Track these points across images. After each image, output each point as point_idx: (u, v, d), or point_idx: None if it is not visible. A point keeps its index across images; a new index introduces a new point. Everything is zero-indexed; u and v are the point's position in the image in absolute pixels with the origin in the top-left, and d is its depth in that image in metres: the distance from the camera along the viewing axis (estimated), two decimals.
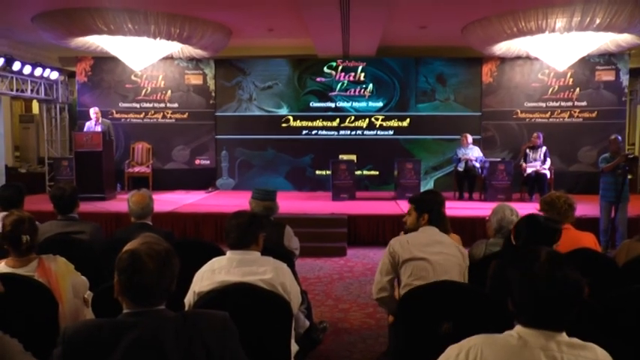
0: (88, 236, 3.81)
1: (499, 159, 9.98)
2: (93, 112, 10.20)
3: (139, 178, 10.91)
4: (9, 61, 9.83)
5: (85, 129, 10.13)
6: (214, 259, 2.82)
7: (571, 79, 10.75)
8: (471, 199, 9.64)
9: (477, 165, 9.73)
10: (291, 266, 3.09)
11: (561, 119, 10.80)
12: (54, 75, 11.17)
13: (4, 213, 3.66)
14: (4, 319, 2.13)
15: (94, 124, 10.15)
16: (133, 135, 11.30)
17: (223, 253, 2.89)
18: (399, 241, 3.14)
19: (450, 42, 10.34)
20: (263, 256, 2.82)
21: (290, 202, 8.84)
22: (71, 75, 11.77)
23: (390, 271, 3.12)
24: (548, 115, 10.83)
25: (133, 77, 11.25)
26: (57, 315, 2.63)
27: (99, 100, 11.20)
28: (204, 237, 7.72)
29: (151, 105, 11.35)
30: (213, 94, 11.26)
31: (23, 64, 10.15)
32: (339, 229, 7.82)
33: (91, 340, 1.75)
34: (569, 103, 10.80)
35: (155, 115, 11.34)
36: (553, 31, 8.05)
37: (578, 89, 10.75)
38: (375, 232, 7.94)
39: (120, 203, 8.85)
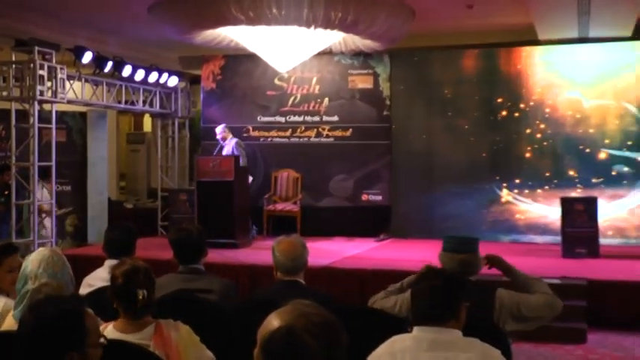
0: (217, 296, 3.97)
1: None
2: (220, 130, 10.66)
3: (283, 219, 11.18)
4: (118, 65, 10.50)
5: (221, 152, 10.48)
6: (394, 338, 2.81)
7: None
8: None
9: None
10: (507, 354, 3.03)
11: None
12: (172, 81, 11.87)
13: (113, 261, 4.01)
14: None
15: (225, 146, 10.65)
16: (275, 160, 11.68)
17: (405, 329, 2.89)
18: None
19: None
20: (466, 336, 2.79)
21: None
22: (194, 80, 12.41)
23: None
24: None
25: (276, 81, 11.73)
26: None
27: (230, 113, 11.84)
28: None
29: (300, 118, 11.75)
30: (387, 101, 11.44)
31: (135, 69, 10.88)
32: (575, 301, 7.34)
33: None
34: None
35: (306, 133, 11.71)
36: None
37: None
38: (635, 308, 7.52)
39: (256, 253, 9.15)
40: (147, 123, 14.56)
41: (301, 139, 11.79)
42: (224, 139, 10.64)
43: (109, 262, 4.30)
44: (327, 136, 11.71)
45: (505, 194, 11.12)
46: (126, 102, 11.56)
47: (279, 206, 11.48)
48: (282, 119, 11.83)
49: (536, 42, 10.78)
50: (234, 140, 10.71)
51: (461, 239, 4.14)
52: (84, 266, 4.60)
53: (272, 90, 11.83)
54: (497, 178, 11.12)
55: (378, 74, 11.51)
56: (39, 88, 9.28)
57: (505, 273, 4.14)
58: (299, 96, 11.79)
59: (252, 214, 10.86)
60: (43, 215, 9.85)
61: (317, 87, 11.70)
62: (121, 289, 3.04)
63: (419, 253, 9.00)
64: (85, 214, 12.06)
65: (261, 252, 8.84)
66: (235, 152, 10.40)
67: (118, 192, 14.34)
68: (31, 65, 9.26)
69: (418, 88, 11.53)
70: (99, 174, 12.30)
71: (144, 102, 11.77)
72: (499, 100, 11.11)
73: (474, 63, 11.34)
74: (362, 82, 11.57)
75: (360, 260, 8.98)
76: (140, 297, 3.01)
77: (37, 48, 9.31)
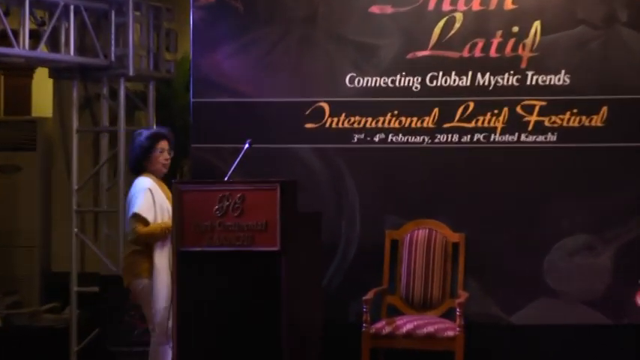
0: None
1: None
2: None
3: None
4: None
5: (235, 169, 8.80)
6: None
7: None
8: None
9: None
10: None
11: None
12: None
13: None
14: None
15: None
16: (393, 194, 8.78)
17: None
18: None
19: None
20: None
21: None
22: None
23: None
24: None
25: None
26: None
27: (272, 69, 8.98)
28: None
29: (463, 81, 8.72)
30: None
31: None
32: None
33: None
34: None
35: (481, 121, 8.68)
36: None
37: None
38: None
39: None
40: (41, 94, 11.33)
41: (467, 139, 8.50)
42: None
43: None
44: (540, 130, 8.45)
45: None
46: None
47: (407, 324, 7.85)
48: (414, 81, 8.36)
49: None
50: None
51: None
52: None
53: (384, 2, 8.50)
54: None
55: None
56: None
57: None
58: (460, 20, 8.42)
59: (332, 342, 7.83)
60: None
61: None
62: None
63: None
64: None
65: None
66: None
67: None
68: None
69: None
70: None
71: (34, 37, 8.58)
72: None
73: None
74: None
75: None
76: None
77: None
